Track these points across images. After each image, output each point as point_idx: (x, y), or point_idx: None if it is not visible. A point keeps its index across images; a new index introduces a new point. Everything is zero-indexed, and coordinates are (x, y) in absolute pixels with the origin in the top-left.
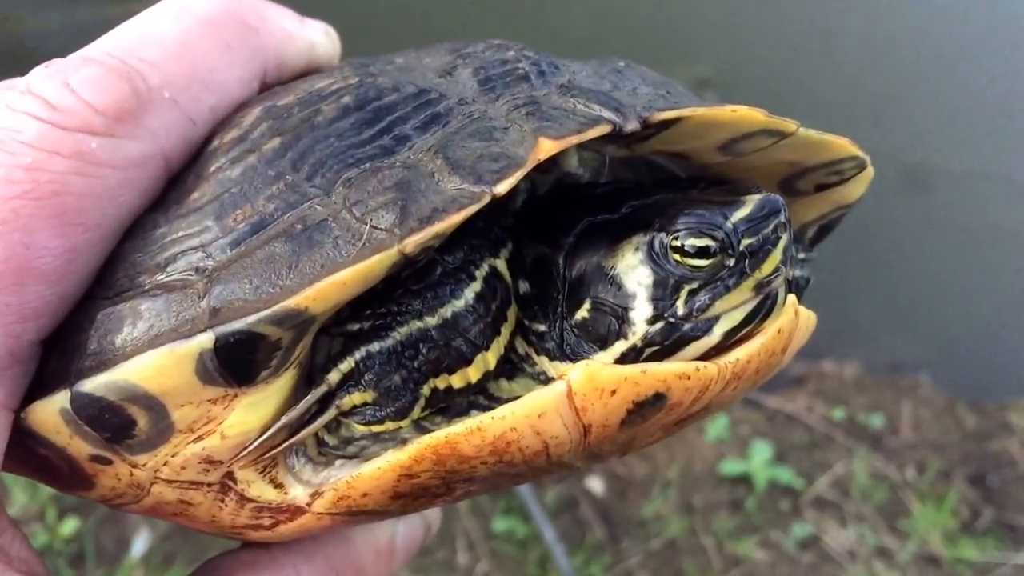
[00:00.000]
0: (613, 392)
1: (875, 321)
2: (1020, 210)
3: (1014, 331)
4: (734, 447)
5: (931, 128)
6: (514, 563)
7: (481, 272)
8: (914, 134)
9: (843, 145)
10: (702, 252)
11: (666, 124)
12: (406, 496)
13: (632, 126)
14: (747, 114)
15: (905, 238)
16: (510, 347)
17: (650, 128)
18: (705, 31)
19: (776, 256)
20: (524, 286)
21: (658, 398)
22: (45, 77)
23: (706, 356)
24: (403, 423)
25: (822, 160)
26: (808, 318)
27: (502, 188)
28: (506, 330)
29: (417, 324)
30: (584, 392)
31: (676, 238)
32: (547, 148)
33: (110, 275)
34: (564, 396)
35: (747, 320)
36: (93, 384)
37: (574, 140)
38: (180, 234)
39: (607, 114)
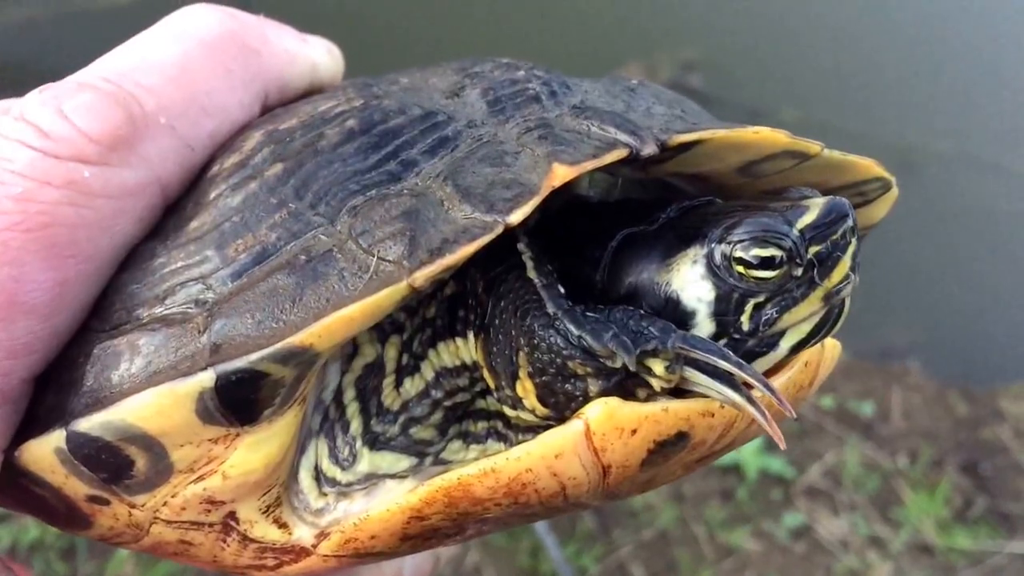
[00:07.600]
0: (633, 431)
1: (864, 307)
2: (1009, 194)
3: (1004, 317)
4: None
5: (920, 111)
6: (505, 554)
7: None
8: (902, 117)
9: (868, 166)
10: (767, 263)
11: (685, 147)
12: (415, 537)
13: (650, 150)
14: (769, 135)
15: (893, 223)
16: None
17: (668, 151)
18: (691, 14)
19: (846, 263)
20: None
21: (680, 437)
22: (39, 103)
23: (771, 372)
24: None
25: (846, 181)
26: (833, 348)
27: (515, 218)
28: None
29: None
30: (603, 432)
31: (739, 248)
32: (562, 174)
33: (107, 307)
34: (582, 436)
35: (814, 332)
36: (89, 423)
37: (590, 166)
38: (179, 265)
39: (623, 137)
